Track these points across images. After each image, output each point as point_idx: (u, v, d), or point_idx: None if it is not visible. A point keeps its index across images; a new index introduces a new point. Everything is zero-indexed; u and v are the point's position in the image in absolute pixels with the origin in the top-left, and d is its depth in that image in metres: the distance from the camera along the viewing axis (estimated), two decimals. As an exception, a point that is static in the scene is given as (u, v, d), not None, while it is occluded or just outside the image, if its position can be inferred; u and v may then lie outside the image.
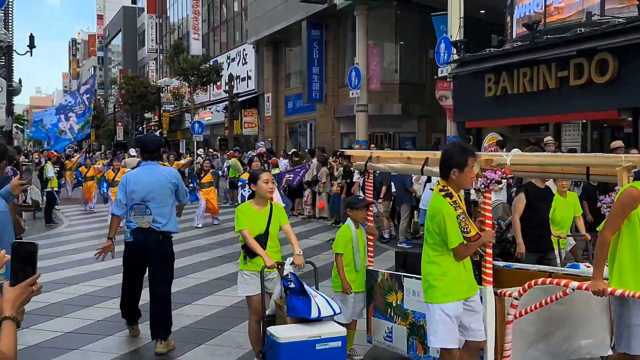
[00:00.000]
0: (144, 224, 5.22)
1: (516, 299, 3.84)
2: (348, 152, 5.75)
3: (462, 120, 15.71)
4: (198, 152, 24.40)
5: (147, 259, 5.30)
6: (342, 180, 12.64)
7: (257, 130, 29.06)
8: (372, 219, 5.14)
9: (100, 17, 65.37)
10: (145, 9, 47.36)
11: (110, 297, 6.92)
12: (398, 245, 10.55)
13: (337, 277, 4.91)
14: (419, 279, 3.92)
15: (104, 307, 6.62)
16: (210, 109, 33.21)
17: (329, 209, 14.60)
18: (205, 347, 5.38)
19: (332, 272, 5.04)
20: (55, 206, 15.75)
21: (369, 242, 5.11)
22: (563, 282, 3.76)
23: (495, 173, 3.66)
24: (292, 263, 4.47)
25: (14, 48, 25.32)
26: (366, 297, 4.97)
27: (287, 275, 4.35)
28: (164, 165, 17.00)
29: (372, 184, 5.29)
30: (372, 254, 5.13)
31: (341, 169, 13.38)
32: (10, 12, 27.06)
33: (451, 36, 15.29)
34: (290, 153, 19.52)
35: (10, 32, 26.84)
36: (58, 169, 17.48)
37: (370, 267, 5.03)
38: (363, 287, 4.98)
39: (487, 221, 3.82)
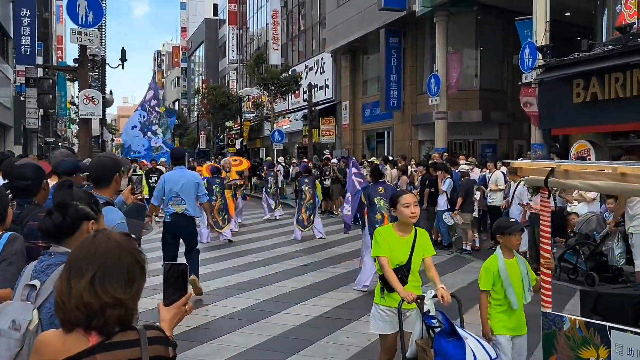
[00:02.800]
0: (179, 210, 7.31)
1: None
2: (517, 163, 4.19)
3: (548, 127, 15.21)
4: (278, 160, 24.88)
5: (180, 234, 7.44)
6: (426, 190, 12.49)
7: (334, 138, 29.29)
8: (549, 249, 3.93)
9: (183, 30, 68.01)
10: (227, 21, 48.91)
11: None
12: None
13: (490, 318, 4.11)
14: (637, 333, 3.11)
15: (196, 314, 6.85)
16: (288, 117, 33.78)
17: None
18: (298, 357, 5.47)
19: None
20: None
21: (545, 277, 3.90)
22: None
23: None
24: (435, 296, 3.85)
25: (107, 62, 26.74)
26: (543, 348, 3.88)
27: (428, 311, 3.78)
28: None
29: (549, 206, 3.92)
30: (549, 292, 3.90)
31: (420, 177, 13.23)
32: (103, 27, 28.78)
33: (536, 41, 14.85)
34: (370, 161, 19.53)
35: (103, 46, 28.52)
36: (156, 178, 17.87)
37: (547, 310, 3.86)
38: (523, 329, 4.14)
39: None
